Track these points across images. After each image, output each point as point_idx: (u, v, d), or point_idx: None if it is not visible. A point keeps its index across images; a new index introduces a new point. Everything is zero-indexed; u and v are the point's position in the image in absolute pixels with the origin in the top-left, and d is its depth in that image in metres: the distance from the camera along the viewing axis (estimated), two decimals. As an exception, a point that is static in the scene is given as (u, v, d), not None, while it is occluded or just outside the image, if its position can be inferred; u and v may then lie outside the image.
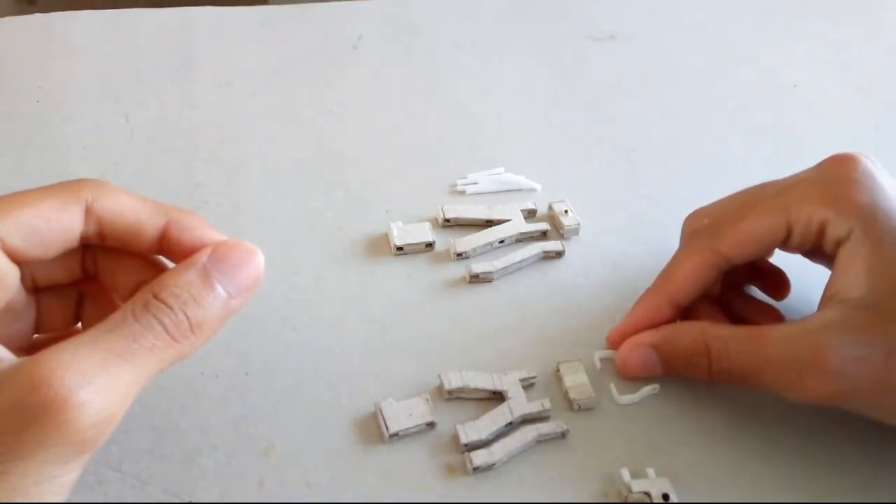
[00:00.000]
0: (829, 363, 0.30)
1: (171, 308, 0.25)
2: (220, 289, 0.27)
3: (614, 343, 0.37)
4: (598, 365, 0.36)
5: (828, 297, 0.33)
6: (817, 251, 0.35)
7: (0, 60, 0.52)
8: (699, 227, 0.37)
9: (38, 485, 0.23)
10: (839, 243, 0.33)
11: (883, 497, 0.32)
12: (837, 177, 0.34)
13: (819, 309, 0.33)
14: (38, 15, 0.56)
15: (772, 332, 0.32)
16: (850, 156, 0.34)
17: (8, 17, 0.56)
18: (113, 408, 0.24)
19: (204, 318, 0.26)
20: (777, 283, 0.39)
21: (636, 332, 0.36)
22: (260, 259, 0.28)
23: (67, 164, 0.45)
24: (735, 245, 0.35)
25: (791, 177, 0.36)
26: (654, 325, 0.36)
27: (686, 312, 0.37)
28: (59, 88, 0.50)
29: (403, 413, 0.33)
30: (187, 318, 0.26)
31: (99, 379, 0.23)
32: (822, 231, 0.33)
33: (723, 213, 0.37)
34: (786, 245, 0.35)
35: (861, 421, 0.35)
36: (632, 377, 0.36)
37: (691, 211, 0.40)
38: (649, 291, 0.37)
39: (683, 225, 0.39)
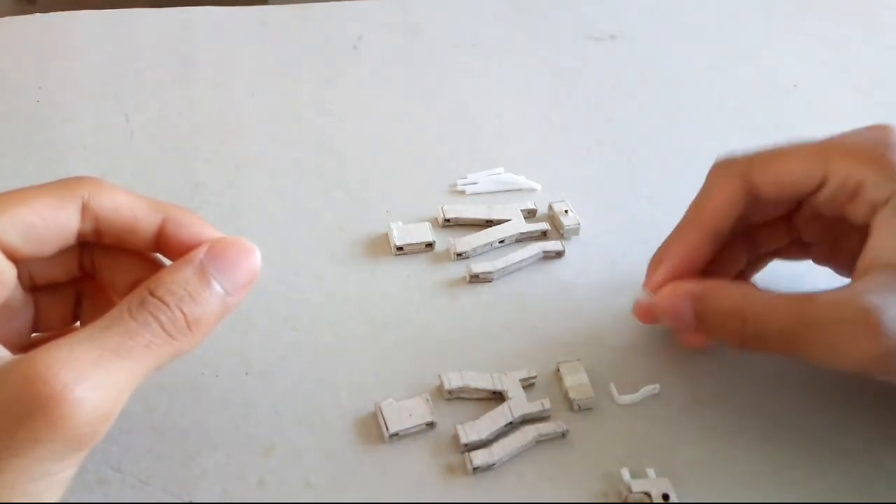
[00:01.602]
0: (880, 323, 0.29)
1: (167, 305, 0.25)
2: (216, 286, 0.26)
3: (656, 290, 0.35)
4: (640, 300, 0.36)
5: (867, 264, 0.32)
6: (817, 226, 0.35)
7: (0, 60, 0.52)
8: (731, 159, 0.36)
9: (34, 481, 0.23)
10: (875, 208, 0.32)
11: (883, 497, 0.32)
12: (881, 141, 0.33)
13: (858, 276, 0.32)
14: (38, 15, 0.56)
15: (818, 296, 0.31)
16: (891, 125, 0.34)
17: (8, 17, 0.56)
18: (109, 404, 0.24)
19: (201, 315, 0.26)
20: None
21: (680, 275, 0.35)
22: (257, 256, 0.28)
23: (67, 164, 0.45)
24: (769, 180, 0.34)
25: (832, 136, 0.35)
26: (696, 265, 0.35)
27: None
28: (59, 88, 0.50)
29: (403, 413, 0.33)
30: (184, 315, 0.25)
31: (95, 375, 0.23)
32: (856, 191, 0.33)
33: (759, 151, 0.35)
34: (810, 200, 0.34)
35: (861, 420, 0.35)
36: (662, 322, 0.35)
37: None
38: (683, 228, 0.36)
39: (712, 166, 0.37)
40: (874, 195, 0.32)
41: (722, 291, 0.33)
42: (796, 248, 0.38)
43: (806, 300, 0.31)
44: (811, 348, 0.31)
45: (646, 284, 0.36)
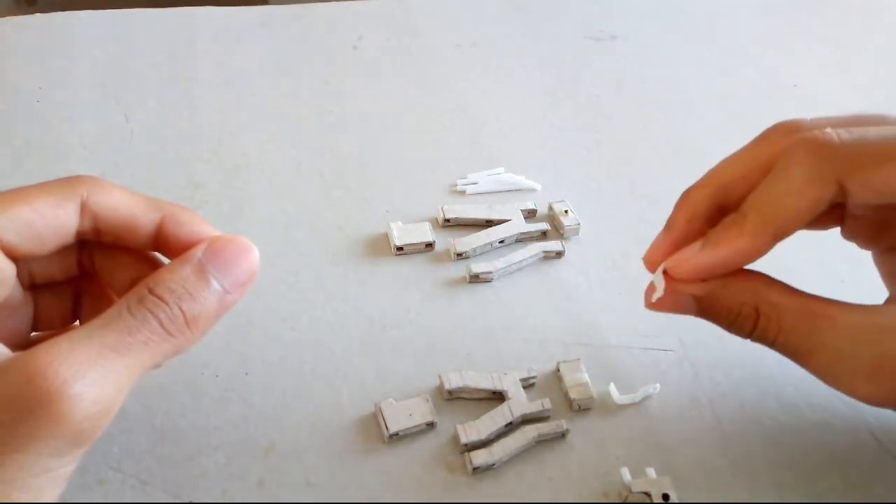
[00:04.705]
0: (889, 373, 0.27)
1: (165, 303, 0.25)
2: (215, 283, 0.27)
3: (679, 273, 0.30)
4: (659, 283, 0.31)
5: None
6: None
7: (0, 60, 0.52)
8: (827, 148, 0.28)
9: (34, 477, 0.23)
10: None
11: (882, 498, 0.32)
12: None
13: (892, 299, 0.29)
14: (38, 15, 0.56)
15: (835, 313, 0.28)
16: None
17: (8, 17, 0.56)
18: (108, 400, 0.24)
19: (199, 313, 0.26)
20: None
21: (716, 271, 0.29)
22: (255, 254, 0.28)
23: (67, 164, 0.45)
24: (871, 186, 0.27)
25: None
26: (739, 265, 0.29)
27: None
28: (59, 88, 0.50)
29: (403, 413, 0.33)
30: (182, 312, 0.26)
31: (93, 372, 0.23)
32: None
33: (861, 144, 0.28)
34: None
35: (861, 421, 0.35)
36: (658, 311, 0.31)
37: None
38: (746, 223, 0.28)
39: (797, 146, 0.29)
40: None
41: (731, 292, 0.30)
42: (832, 217, 0.32)
43: (821, 316, 0.28)
44: (815, 371, 0.29)
45: (671, 265, 0.31)
